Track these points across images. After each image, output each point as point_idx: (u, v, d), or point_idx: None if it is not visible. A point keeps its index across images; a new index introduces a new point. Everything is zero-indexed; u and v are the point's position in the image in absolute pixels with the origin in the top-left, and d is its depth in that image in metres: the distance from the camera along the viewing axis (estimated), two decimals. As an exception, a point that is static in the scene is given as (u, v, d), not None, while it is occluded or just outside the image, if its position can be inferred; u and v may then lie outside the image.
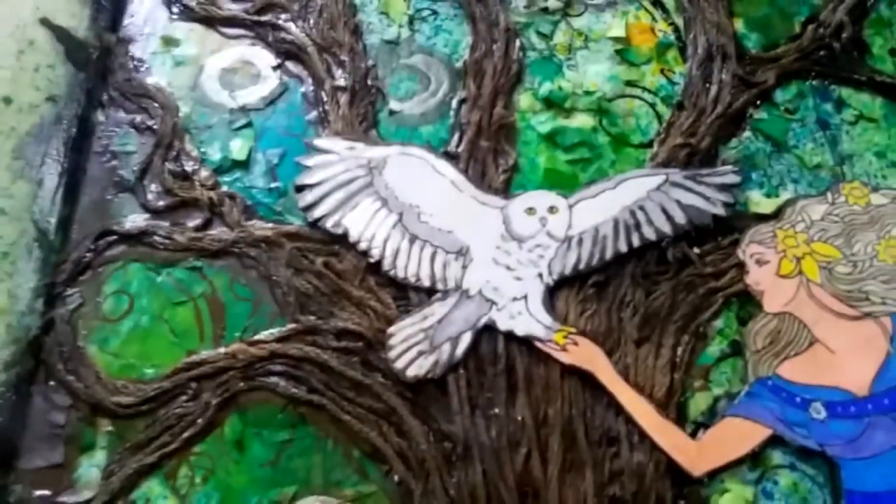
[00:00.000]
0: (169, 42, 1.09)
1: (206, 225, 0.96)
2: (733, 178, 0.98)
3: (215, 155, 1.02)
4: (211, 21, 1.11)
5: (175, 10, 1.11)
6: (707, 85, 1.06)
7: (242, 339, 0.90)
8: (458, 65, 1.07)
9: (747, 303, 0.92)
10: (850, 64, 1.09)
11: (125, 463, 0.85)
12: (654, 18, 1.11)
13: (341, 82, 1.04)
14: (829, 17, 1.11)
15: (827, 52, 1.10)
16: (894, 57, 1.10)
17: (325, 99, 1.03)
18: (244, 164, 1.00)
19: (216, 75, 1.07)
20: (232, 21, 1.10)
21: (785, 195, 0.99)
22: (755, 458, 0.85)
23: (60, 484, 0.84)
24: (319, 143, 1.00)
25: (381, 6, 1.11)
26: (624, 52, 1.09)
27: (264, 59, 1.08)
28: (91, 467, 0.85)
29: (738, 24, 1.12)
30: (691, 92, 1.06)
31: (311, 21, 1.09)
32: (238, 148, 1.01)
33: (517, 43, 1.09)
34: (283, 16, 1.11)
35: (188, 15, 1.11)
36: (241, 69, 1.07)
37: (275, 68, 1.07)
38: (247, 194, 0.99)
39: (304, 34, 1.08)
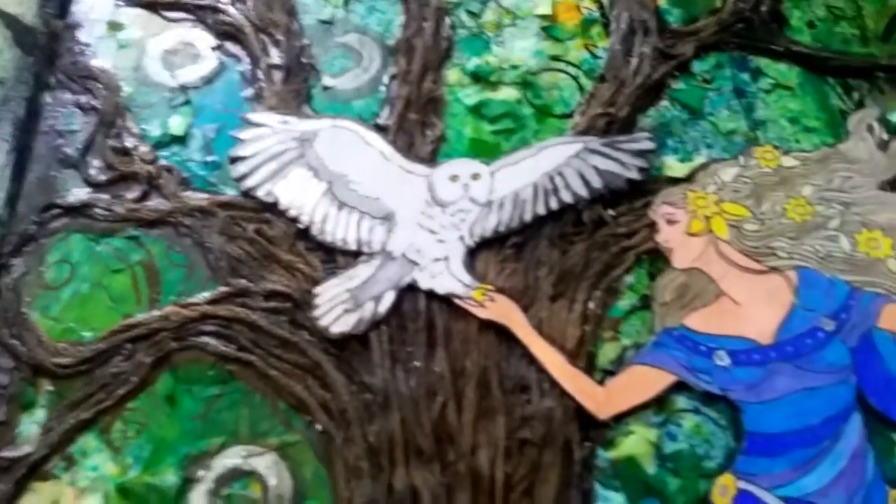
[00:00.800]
0: (114, 27, 1.14)
1: (143, 197, 1.01)
2: (648, 145, 1.03)
3: (155, 131, 1.06)
4: (154, 6, 1.15)
5: (121, -4, 1.16)
6: (628, 58, 1.11)
7: (176, 303, 0.94)
8: (391, 42, 1.12)
9: (658, 260, 0.97)
10: (769, 35, 1.14)
11: (63, 419, 0.89)
12: (579, -4, 1.16)
13: (276, 60, 1.09)
14: (739, -10, 1.16)
15: (746, 25, 1.14)
16: (812, 29, 1.15)
17: (260, 77, 1.08)
18: (182, 139, 1.05)
19: (158, 57, 1.12)
20: (174, 5, 1.15)
21: (699, 160, 1.04)
22: (660, 403, 0.89)
23: (3, 440, 0.89)
24: (253, 117, 1.05)
25: (318, -12, 1.15)
26: (550, 28, 1.13)
27: (204, 40, 1.13)
28: (32, 424, 0.89)
29: (662, 0, 1.16)
30: (613, 65, 1.10)
31: (249, 3, 1.14)
32: (177, 124, 1.06)
33: (447, 21, 1.14)
34: (221, -1, 1.15)
35: (133, 1, 1.16)
36: (181, 50, 1.12)
37: (214, 49, 1.12)
38: (184, 167, 1.04)
39: (241, 15, 1.13)
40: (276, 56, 1.09)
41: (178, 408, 0.89)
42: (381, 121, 1.05)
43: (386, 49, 1.11)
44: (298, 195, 0.99)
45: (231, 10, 1.13)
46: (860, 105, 1.09)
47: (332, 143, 1.02)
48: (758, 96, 1.09)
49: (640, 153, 1.02)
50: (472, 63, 1.10)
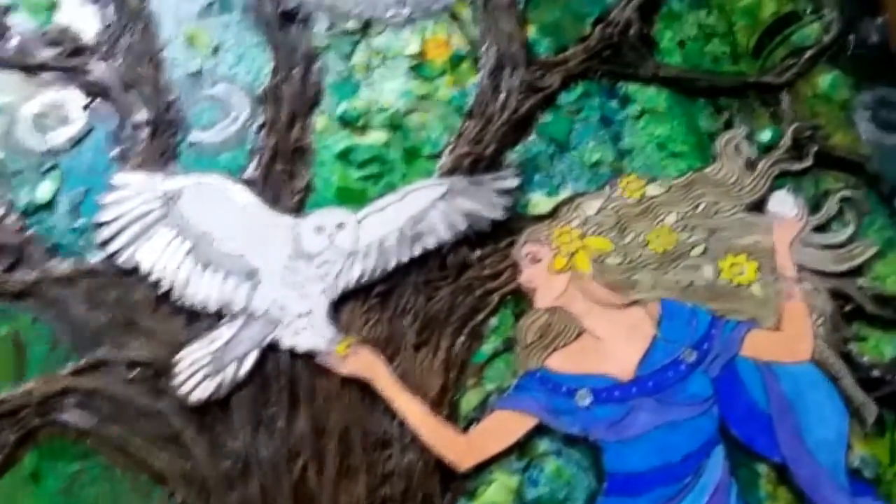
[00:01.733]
0: (-17, 90, 1.13)
1: (11, 268, 1.01)
2: (512, 182, 1.03)
3: (24, 199, 1.06)
4: (25, 68, 1.14)
5: (-11, 60, 1.15)
6: (496, 93, 1.10)
7: (40, 377, 0.94)
8: (259, 92, 1.11)
9: (522, 300, 0.97)
10: (638, 60, 1.14)
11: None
12: (450, 32, 1.16)
13: (143, 118, 1.09)
14: (619, 16, 1.16)
15: (614, 51, 1.14)
16: (682, 49, 1.15)
17: (127, 135, 1.08)
18: (50, 206, 1.05)
19: (29, 121, 1.12)
20: (44, 67, 1.14)
21: (565, 194, 1.04)
22: (522, 448, 0.90)
23: None
24: (118, 179, 1.04)
25: (186, 39, 1.15)
26: (419, 67, 1.13)
27: (74, 101, 1.12)
28: None
29: (531, 31, 1.16)
30: (481, 101, 1.10)
31: (118, 60, 1.13)
32: (44, 191, 1.06)
33: (316, 66, 1.13)
34: (92, 57, 1.14)
35: (2, 64, 1.15)
36: (51, 113, 1.11)
37: (83, 109, 1.11)
38: (51, 234, 1.03)
39: (110, 73, 1.12)
40: (142, 113, 1.09)
41: (42, 485, 0.90)
42: (247, 174, 1.05)
43: (254, 99, 1.11)
44: (161, 258, 0.99)
45: (100, 67, 1.13)
46: (729, 125, 1.09)
47: (196, 200, 1.02)
48: (625, 124, 1.09)
49: (504, 191, 1.02)
50: (341, 108, 1.10)
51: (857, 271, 0.98)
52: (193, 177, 1.04)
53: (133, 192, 1.03)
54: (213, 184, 1.03)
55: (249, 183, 1.05)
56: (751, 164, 1.05)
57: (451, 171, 1.04)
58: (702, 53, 1.15)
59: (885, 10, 1.17)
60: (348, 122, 1.09)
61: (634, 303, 0.96)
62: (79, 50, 1.16)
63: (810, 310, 0.95)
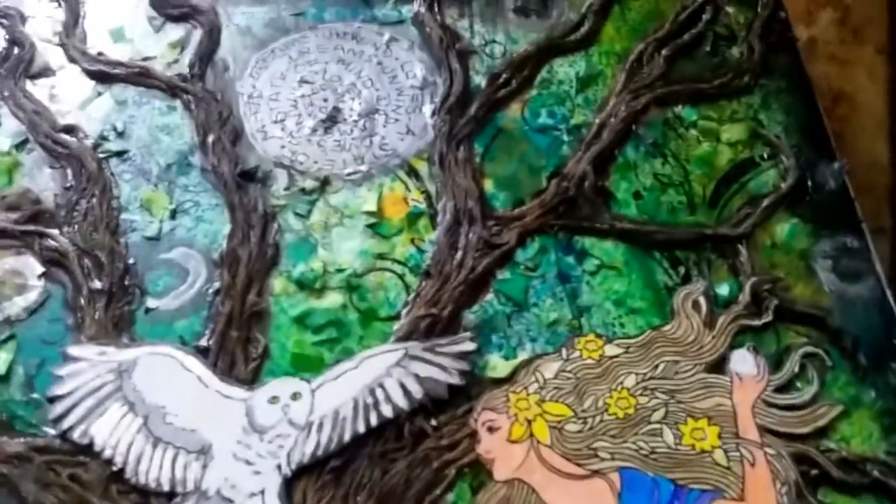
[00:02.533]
0: (-58, 258, 1.13)
1: (-39, 447, 0.99)
2: (469, 346, 1.02)
3: (-21, 371, 1.05)
4: (-15, 235, 1.15)
5: (-52, 226, 1.16)
6: (453, 251, 1.11)
7: (-18, 566, 0.91)
8: (216, 255, 1.11)
9: (480, 472, 0.95)
10: (594, 213, 1.14)
11: None
12: (407, 188, 1.17)
13: (98, 285, 1.08)
14: (574, 169, 1.17)
15: (570, 204, 1.15)
16: (638, 200, 1.16)
17: (82, 304, 1.07)
18: (4, 378, 1.03)
19: (-15, 286, 1.11)
20: (2, 233, 1.14)
21: (523, 356, 1.03)
22: None
23: None
24: (72, 351, 1.03)
25: (145, 203, 1.15)
26: (376, 225, 1.14)
27: (32, 268, 1.12)
28: None
29: (489, 185, 1.17)
30: (438, 259, 1.10)
31: (76, 226, 1.13)
32: (0, 362, 1.04)
33: (275, 226, 1.14)
34: (50, 222, 1.14)
35: (-39, 230, 1.15)
36: (8, 281, 1.11)
37: (39, 277, 1.11)
38: (5, 408, 1.02)
39: (67, 239, 1.12)
40: (98, 280, 1.08)
41: None
42: (202, 342, 1.04)
43: (211, 262, 1.10)
44: (114, 434, 0.97)
45: (57, 234, 1.13)
46: (687, 279, 1.09)
47: (149, 373, 1.01)
48: (582, 280, 1.09)
49: (461, 355, 1.01)
50: (298, 270, 1.10)
51: (821, 433, 0.96)
52: (147, 347, 1.03)
53: (86, 364, 1.02)
54: (166, 354, 1.02)
55: (204, 351, 1.03)
56: (710, 322, 1.04)
57: (407, 335, 1.03)
58: (658, 204, 1.16)
59: (842, 155, 1.18)
60: (305, 285, 1.09)
61: (595, 472, 0.93)
62: (38, 214, 1.16)
63: (774, 476, 0.92)
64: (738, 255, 1.10)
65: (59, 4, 1.35)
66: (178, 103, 1.24)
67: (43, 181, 1.18)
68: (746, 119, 1.21)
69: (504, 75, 1.26)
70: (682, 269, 1.09)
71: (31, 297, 1.10)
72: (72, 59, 1.29)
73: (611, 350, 1.01)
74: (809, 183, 1.16)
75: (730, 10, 1.31)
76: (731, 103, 1.23)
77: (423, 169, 1.18)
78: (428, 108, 1.23)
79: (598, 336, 1.03)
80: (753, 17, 1.30)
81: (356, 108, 1.23)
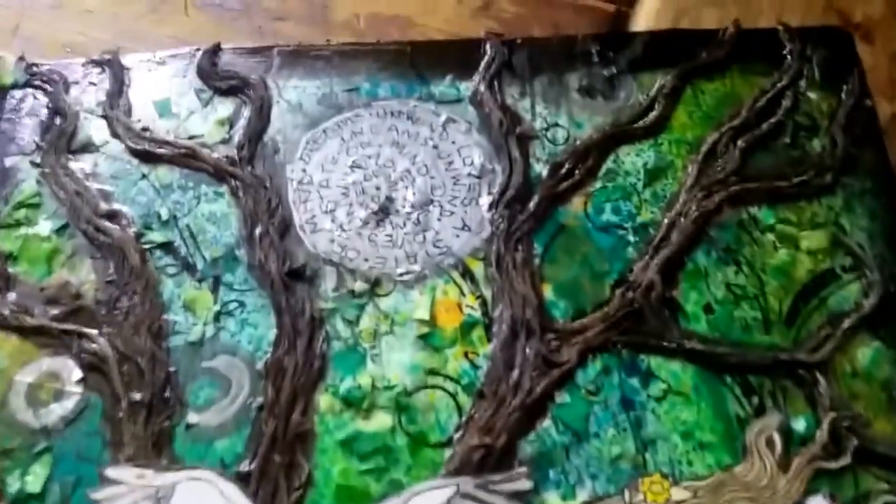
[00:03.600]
0: (-20, 355, 1.10)
1: (-7, 572, 0.95)
2: (526, 484, 0.96)
3: (14, 485, 1.01)
4: (23, 331, 1.11)
5: (-11, 318, 1.12)
6: (509, 369, 1.04)
7: None
8: (260, 365, 1.06)
9: None
10: (661, 328, 1.07)
11: None
12: (461, 292, 1.10)
13: (138, 397, 1.04)
14: (640, 276, 1.10)
15: (635, 318, 1.07)
16: (709, 314, 1.08)
17: (121, 416, 1.03)
18: (40, 497, 1.00)
19: (23, 392, 1.07)
20: (40, 330, 1.10)
21: (582, 496, 0.97)
22: None
23: None
24: (110, 472, 0.99)
25: (188, 302, 1.11)
26: (428, 336, 1.08)
27: (69, 371, 1.08)
28: None
29: (548, 291, 1.10)
30: (493, 377, 1.04)
31: (117, 326, 1.09)
32: (34, 478, 1.01)
33: (322, 333, 1.08)
34: (90, 321, 1.10)
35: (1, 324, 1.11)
36: (45, 384, 1.07)
37: (77, 382, 1.07)
38: (40, 531, 0.98)
39: (107, 341, 1.08)
40: (138, 392, 1.04)
41: None
42: (242, 467, 0.99)
43: (255, 373, 1.05)
44: (150, 569, 0.93)
45: (97, 335, 1.08)
46: (761, 411, 1.01)
47: (187, 500, 0.96)
48: (648, 407, 1.02)
49: (517, 495, 0.95)
50: (345, 386, 1.04)
51: None
52: (186, 472, 0.99)
53: (125, 489, 0.98)
54: (206, 479, 0.97)
55: (245, 477, 0.99)
56: (784, 463, 0.97)
57: (459, 468, 0.98)
58: (730, 320, 1.08)
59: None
60: (353, 403, 1.03)
61: None
62: (77, 310, 1.12)
63: None
64: (816, 384, 1.02)
65: (103, 70, 1.29)
66: (225, 189, 1.18)
67: (83, 272, 1.14)
68: (828, 224, 1.13)
69: (567, 165, 1.18)
70: (755, 399, 1.02)
71: (69, 405, 1.06)
72: (115, 134, 1.23)
73: (678, 494, 0.95)
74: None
75: (812, 95, 1.21)
76: (811, 205, 1.14)
77: (478, 270, 1.12)
78: (485, 201, 1.16)
79: (664, 476, 0.96)
80: (837, 105, 1.20)
81: (410, 199, 1.16)
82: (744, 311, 1.08)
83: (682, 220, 1.13)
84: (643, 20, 1.41)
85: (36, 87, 1.30)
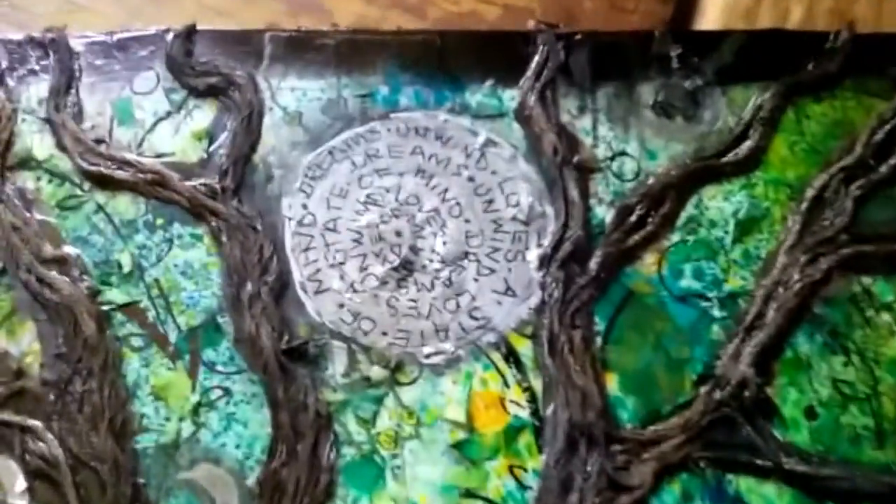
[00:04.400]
0: None
1: None
2: None
3: None
4: (-53, 418, 0.87)
5: None
6: (566, 492, 0.83)
7: None
8: (252, 480, 0.84)
9: None
10: (754, 440, 0.86)
11: None
12: (505, 383, 0.88)
13: (99, 518, 0.82)
14: (729, 370, 0.88)
15: (723, 426, 0.86)
16: (811, 420, 0.87)
17: (77, 545, 0.81)
18: None
19: (-50, 500, 0.84)
20: (-27, 418, 0.86)
21: None
22: None
23: None
24: None
25: (159, 390, 0.87)
26: (464, 444, 0.85)
27: (11, 477, 0.85)
28: None
29: (612, 383, 0.88)
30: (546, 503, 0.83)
31: (69, 418, 0.85)
32: None
33: (330, 437, 0.85)
34: (35, 411, 0.86)
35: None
36: (-20, 491, 0.84)
37: (23, 493, 0.84)
38: None
39: (57, 441, 0.85)
40: (98, 510, 0.82)
41: None
42: None
43: (245, 491, 0.83)
44: None
45: (43, 429, 0.85)
46: (872, 552, 0.81)
47: None
48: (739, 551, 0.81)
49: None
50: (360, 509, 0.82)
51: None
52: None
53: None
54: None
55: None
56: None
57: None
58: (837, 428, 0.87)
59: None
60: (371, 536, 0.82)
61: None
62: (19, 393, 0.88)
63: None
64: (940, 520, 0.81)
65: (46, 54, 1.01)
66: (203, 230, 0.93)
67: (25, 339, 0.89)
68: (961, 304, 0.90)
69: (637, 209, 0.93)
70: (867, 536, 0.81)
71: (11, 522, 0.83)
72: (62, 147, 0.97)
73: None
74: None
75: (947, 126, 0.96)
76: (941, 278, 0.91)
77: (525, 351, 0.89)
78: (534, 255, 0.92)
79: None
80: (979, 141, 0.95)
81: (439, 250, 0.91)
82: (853, 416, 0.87)
83: (781, 290, 0.90)
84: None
85: (-48, 72, 1.01)
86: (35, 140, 0.98)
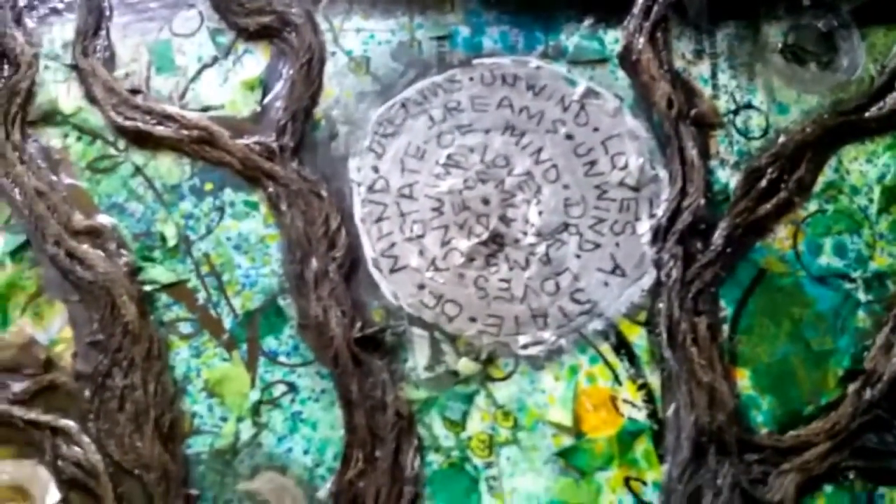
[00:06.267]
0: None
1: None
2: None
3: None
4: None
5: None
6: (695, 507, 0.70)
7: None
8: (324, 492, 0.71)
9: None
10: (908, 446, 0.72)
11: None
12: (616, 378, 0.74)
13: (148, 535, 0.70)
14: (881, 364, 0.74)
15: (875, 430, 0.73)
16: (975, 423, 0.73)
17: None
18: None
19: (-26, 513, 0.73)
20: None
21: None
22: None
23: None
24: None
25: (213, 384, 0.74)
26: (570, 451, 0.73)
27: (42, 486, 0.73)
28: None
29: (743, 379, 0.74)
30: (672, 520, 0.70)
31: (108, 418, 0.73)
32: None
33: (413, 441, 0.73)
34: (68, 409, 0.74)
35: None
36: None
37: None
38: None
39: (95, 445, 0.72)
40: (146, 526, 0.70)
41: None
42: None
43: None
44: None
45: (78, 430, 0.73)
46: None
47: None
48: (893, 580, 0.69)
49: None
50: (453, 526, 0.70)
51: None
52: None
53: None
54: None
55: None
56: None
57: None
58: None
59: None
60: (466, 557, 0.69)
61: None
62: (49, 388, 0.76)
63: None
64: None
65: (69, -10, 0.86)
66: (259, 197, 0.78)
67: (55, 325, 0.76)
68: None
69: (768, 173, 0.78)
70: None
71: (43, 540, 0.71)
72: (91, 98, 0.82)
73: None
74: None
75: None
76: None
77: (638, 340, 0.75)
78: (645, 227, 0.77)
79: None
80: None
81: (534, 221, 0.77)
82: None
83: (938, 270, 0.76)
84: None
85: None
86: (60, 90, 0.84)
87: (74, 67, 0.85)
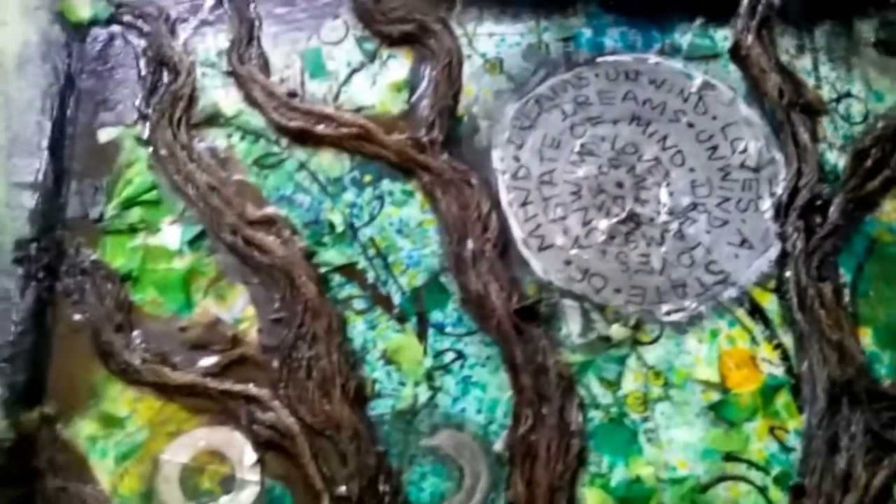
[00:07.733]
0: (109, 421, 0.81)
1: None
2: None
3: None
4: (163, 389, 0.82)
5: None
6: (833, 452, 0.78)
7: None
8: (499, 446, 0.79)
9: None
10: None
11: None
12: (753, 339, 0.82)
13: (343, 491, 0.77)
14: None
15: None
16: None
17: (322, 518, 0.76)
18: None
19: (175, 477, 0.80)
20: (188, 389, 0.81)
21: None
22: None
23: None
24: None
25: (390, 353, 0.82)
26: (719, 405, 0.80)
27: (239, 450, 0.80)
28: None
29: (866, 337, 0.82)
30: (813, 465, 0.78)
31: (297, 387, 0.80)
32: None
33: (575, 400, 0.80)
34: (258, 379, 0.81)
35: (129, 377, 0.82)
36: (207, 469, 0.79)
37: (253, 465, 0.79)
38: None
39: (288, 409, 0.79)
40: (342, 483, 0.77)
41: None
42: None
43: (493, 457, 0.78)
44: None
45: (270, 396, 0.80)
46: None
47: None
48: None
49: None
50: (618, 477, 0.78)
51: None
52: None
53: None
54: None
55: None
56: None
57: None
58: None
59: None
60: (630, 501, 0.77)
61: None
62: (239, 361, 0.83)
63: None
64: None
65: (220, 2, 0.94)
66: (414, 185, 0.87)
67: (238, 305, 0.84)
68: None
69: (872, 154, 0.87)
70: None
71: (244, 498, 0.78)
72: (252, 101, 0.90)
73: None
74: None
75: None
76: None
77: (770, 306, 0.83)
78: (767, 204, 0.86)
79: None
80: None
81: (665, 201, 0.86)
82: None
83: None
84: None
85: (126, 26, 0.95)
86: (219, 95, 0.91)
87: (231, 74, 0.92)
